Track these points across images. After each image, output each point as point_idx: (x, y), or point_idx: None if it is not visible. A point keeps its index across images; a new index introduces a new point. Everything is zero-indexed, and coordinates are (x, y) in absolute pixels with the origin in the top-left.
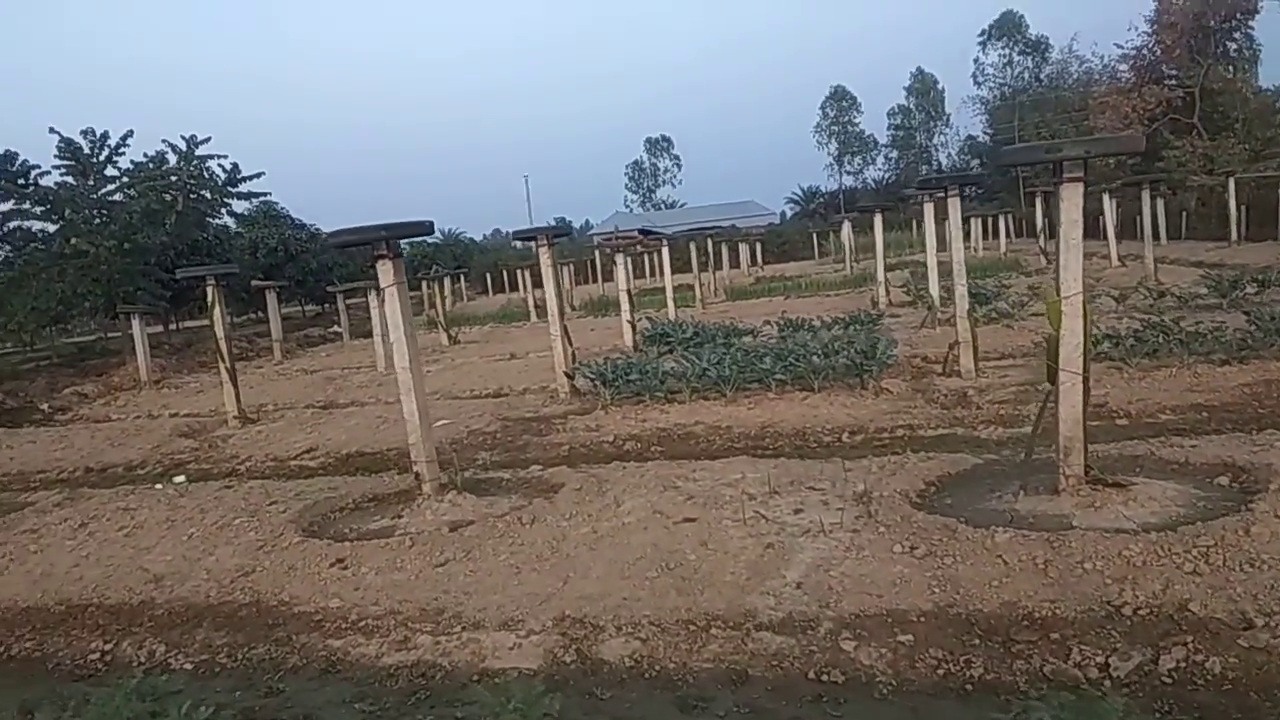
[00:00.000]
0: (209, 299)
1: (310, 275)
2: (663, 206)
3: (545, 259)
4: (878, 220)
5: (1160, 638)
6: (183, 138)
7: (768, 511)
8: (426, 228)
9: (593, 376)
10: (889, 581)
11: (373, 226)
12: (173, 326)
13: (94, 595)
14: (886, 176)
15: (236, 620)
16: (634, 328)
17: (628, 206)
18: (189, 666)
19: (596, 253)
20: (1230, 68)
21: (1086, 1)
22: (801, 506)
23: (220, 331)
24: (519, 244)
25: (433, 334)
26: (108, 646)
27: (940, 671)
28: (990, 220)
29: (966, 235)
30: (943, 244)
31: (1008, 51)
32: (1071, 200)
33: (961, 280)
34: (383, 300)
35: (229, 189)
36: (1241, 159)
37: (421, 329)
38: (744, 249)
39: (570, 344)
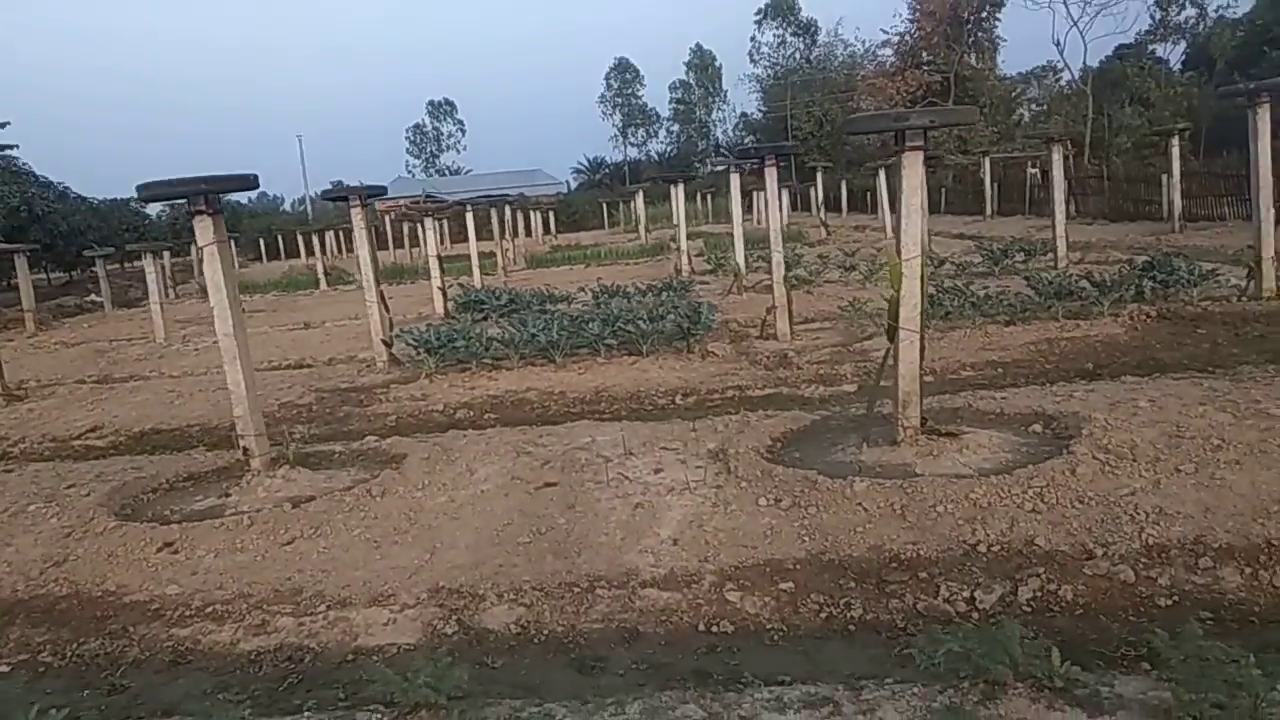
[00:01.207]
0: None
1: (60, 239)
2: (447, 173)
3: (358, 221)
4: (679, 191)
5: (1015, 571)
6: None
7: (628, 472)
8: (251, 181)
9: (415, 344)
10: (760, 533)
11: (191, 179)
12: None
13: None
14: (668, 149)
15: (56, 614)
16: (445, 294)
17: (409, 172)
18: (4, 669)
19: (387, 219)
20: (979, 56)
21: None
22: (660, 466)
23: None
24: (326, 205)
25: (208, 302)
26: None
27: (823, 615)
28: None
29: (751, 208)
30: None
31: (781, 32)
32: (913, 168)
33: (778, 247)
34: (254, 257)
35: None
36: (990, 140)
37: (195, 299)
38: (535, 217)
39: (387, 311)
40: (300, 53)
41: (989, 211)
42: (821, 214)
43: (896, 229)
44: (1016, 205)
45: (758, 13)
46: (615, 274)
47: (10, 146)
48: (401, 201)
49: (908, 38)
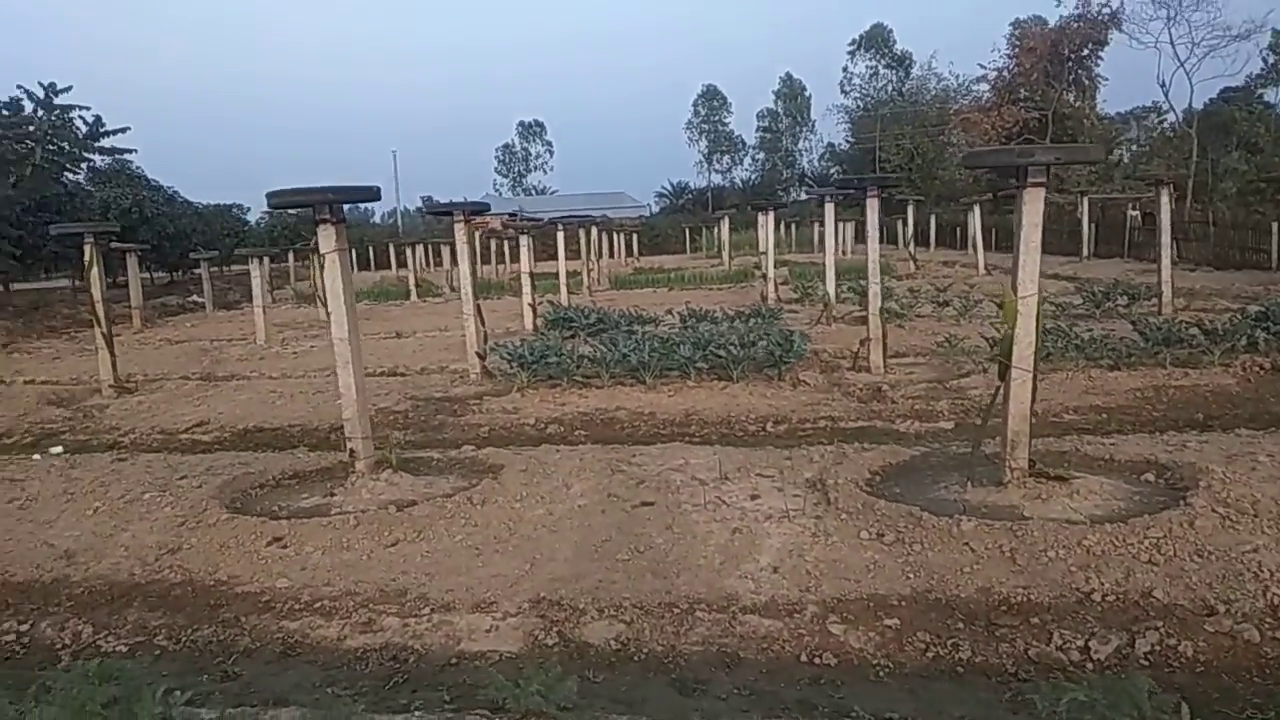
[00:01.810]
0: (86, 258)
1: (166, 241)
2: (533, 192)
3: (461, 236)
4: (769, 218)
5: (1131, 622)
6: (41, 85)
7: (725, 497)
8: (373, 193)
9: (509, 358)
10: (863, 567)
11: (317, 188)
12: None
13: None
14: (753, 177)
15: (171, 600)
16: (534, 311)
17: (497, 190)
18: (122, 649)
19: (475, 234)
20: (1079, 94)
21: (945, 23)
22: (757, 492)
23: (97, 294)
24: (414, 218)
25: (304, 308)
26: (23, 627)
27: (929, 655)
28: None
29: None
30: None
31: (875, 64)
32: (1033, 204)
33: (875, 279)
34: (322, 266)
35: (90, 143)
36: (1088, 180)
37: (291, 303)
38: (619, 239)
39: (483, 324)
40: (396, 69)
41: (1085, 252)
42: (910, 248)
43: (1013, 265)
44: (1114, 247)
45: (851, 43)
46: (699, 298)
47: (129, 151)
48: (488, 219)
49: (1005, 73)
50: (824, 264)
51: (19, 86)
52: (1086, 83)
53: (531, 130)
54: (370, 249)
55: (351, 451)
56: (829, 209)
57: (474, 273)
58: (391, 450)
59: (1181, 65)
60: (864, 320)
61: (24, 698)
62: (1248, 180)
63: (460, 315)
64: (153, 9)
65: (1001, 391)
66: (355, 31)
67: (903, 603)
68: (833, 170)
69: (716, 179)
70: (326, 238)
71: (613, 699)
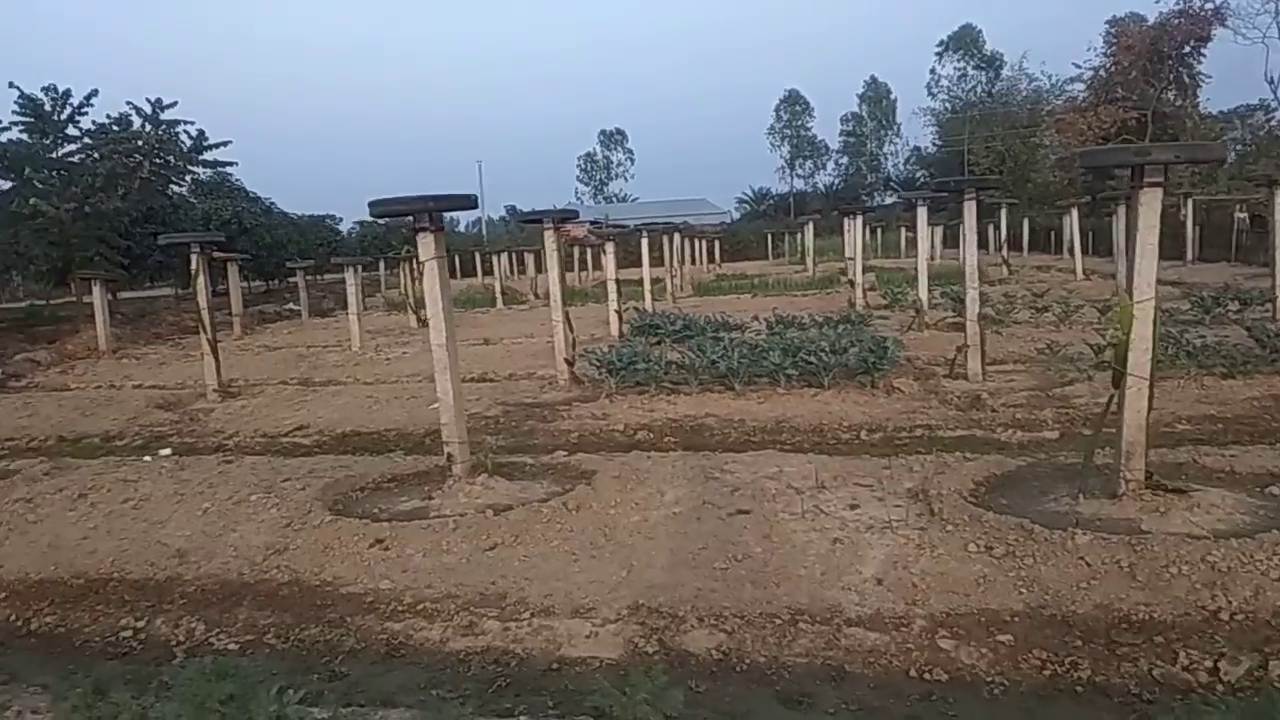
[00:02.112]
0: (193, 267)
1: (264, 250)
2: (614, 200)
3: (550, 243)
4: (857, 223)
5: (1263, 643)
6: (148, 100)
7: (822, 506)
8: (471, 201)
9: (598, 364)
10: (971, 580)
11: (417, 197)
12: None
13: (113, 569)
14: (836, 182)
15: (279, 600)
16: (620, 317)
17: (579, 198)
18: (233, 647)
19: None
20: (1180, 93)
21: (1036, 22)
22: (856, 502)
23: (203, 301)
24: (497, 227)
25: (394, 315)
26: (139, 624)
27: (1046, 673)
28: (953, 230)
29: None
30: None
31: (963, 65)
32: (1150, 205)
33: (973, 284)
34: (419, 275)
35: (194, 156)
36: (1191, 181)
37: (382, 311)
38: (700, 245)
39: (571, 331)
40: (482, 79)
41: (1190, 256)
42: (1004, 252)
43: (1128, 269)
44: (1220, 251)
45: (939, 45)
46: (784, 305)
47: (230, 164)
48: (571, 227)
49: (1102, 72)
50: (915, 269)
51: (128, 103)
52: (1188, 81)
53: (613, 139)
54: (456, 257)
55: (449, 456)
56: (921, 213)
57: (564, 280)
58: (487, 455)
59: None
60: (958, 327)
61: (145, 693)
62: None
63: (546, 322)
64: (245, 30)
65: (1115, 399)
66: (436, 41)
67: (1016, 618)
68: (919, 174)
69: (798, 184)
70: (425, 245)
71: (716, 710)
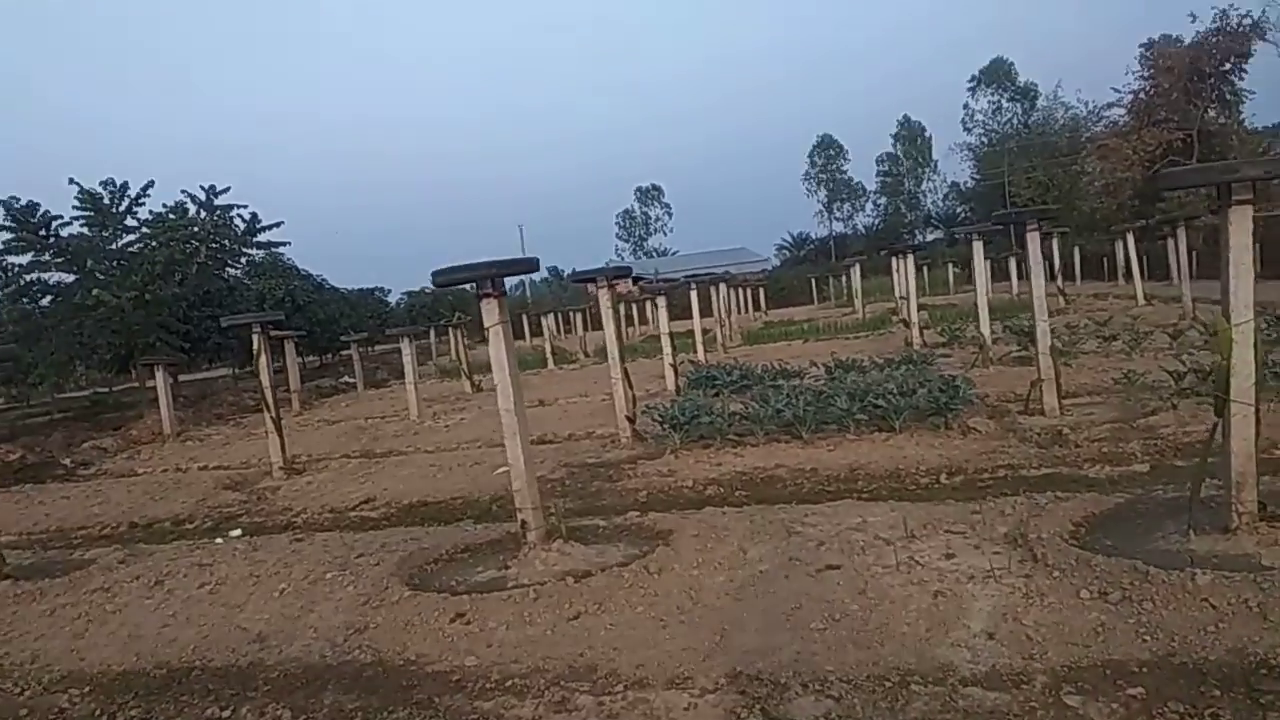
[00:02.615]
0: (254, 347)
1: (317, 326)
2: (654, 254)
3: (605, 301)
4: (908, 262)
5: None
6: (202, 187)
7: (916, 557)
8: (533, 264)
9: (661, 420)
10: (1089, 630)
11: (481, 264)
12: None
13: (194, 657)
14: (875, 222)
15: (363, 681)
16: (676, 371)
17: (619, 255)
18: None
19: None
20: (1222, 110)
21: (1068, 52)
22: (951, 551)
23: (265, 380)
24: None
25: (447, 382)
26: (225, 713)
27: None
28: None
29: (970, 279)
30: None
31: (997, 98)
32: (1241, 223)
33: (1043, 316)
34: (481, 339)
35: (249, 238)
36: None
37: (434, 378)
38: (745, 294)
39: (631, 388)
40: (520, 147)
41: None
42: (1059, 282)
43: (1222, 290)
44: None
45: (971, 80)
46: (838, 349)
47: (284, 244)
48: (620, 284)
49: (1142, 95)
50: (967, 305)
51: (183, 191)
52: (1230, 98)
53: (649, 195)
54: None
55: (523, 523)
56: (977, 247)
57: (619, 337)
58: (560, 520)
59: None
60: (1023, 361)
61: None
62: None
63: (599, 380)
64: (278, 112)
65: (1220, 428)
66: (469, 103)
67: (1143, 669)
68: (959, 209)
69: (838, 226)
70: (490, 311)
71: None
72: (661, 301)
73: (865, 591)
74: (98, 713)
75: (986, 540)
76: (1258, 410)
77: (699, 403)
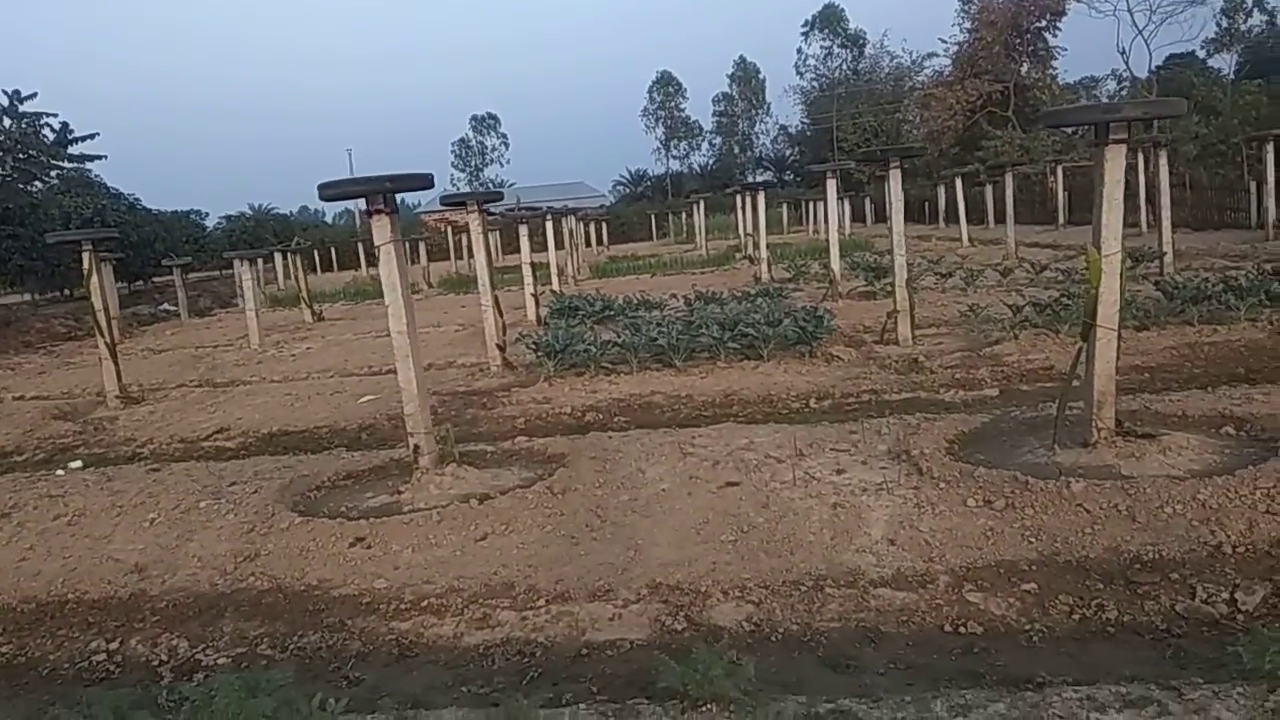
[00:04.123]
0: (85, 266)
1: (129, 249)
2: (490, 186)
3: (475, 226)
4: (760, 199)
5: (1270, 572)
6: (4, 92)
7: (810, 473)
8: (427, 180)
9: (535, 347)
10: (979, 534)
11: (374, 177)
12: None
13: (66, 591)
14: (710, 162)
15: (263, 608)
16: (538, 300)
17: (455, 185)
18: (224, 661)
19: (448, 229)
20: (1036, 65)
21: (893, 2)
22: (840, 467)
23: (98, 303)
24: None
25: (279, 311)
26: (112, 645)
27: (1075, 618)
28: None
29: (804, 219)
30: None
31: (829, 43)
32: (1115, 161)
33: (901, 251)
34: (377, 258)
35: (60, 150)
36: (1053, 149)
37: (265, 307)
38: (587, 228)
39: (501, 316)
40: (346, 73)
41: (1061, 220)
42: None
43: (1094, 223)
44: (1087, 215)
45: (804, 24)
46: (684, 283)
47: (99, 157)
48: (516, 209)
49: (966, 47)
50: (821, 241)
51: None
52: (1044, 53)
53: (485, 124)
54: (332, 249)
55: (415, 447)
56: (831, 185)
57: (490, 264)
58: (452, 445)
59: (1140, 33)
60: (868, 295)
61: (176, 717)
62: (1207, 144)
63: (451, 310)
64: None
65: (1085, 351)
66: (301, 38)
67: (1033, 567)
68: (789, 152)
69: (674, 165)
70: (381, 229)
71: (766, 681)
72: (524, 230)
73: (768, 505)
74: None
75: (871, 457)
76: (1119, 335)
77: (574, 330)
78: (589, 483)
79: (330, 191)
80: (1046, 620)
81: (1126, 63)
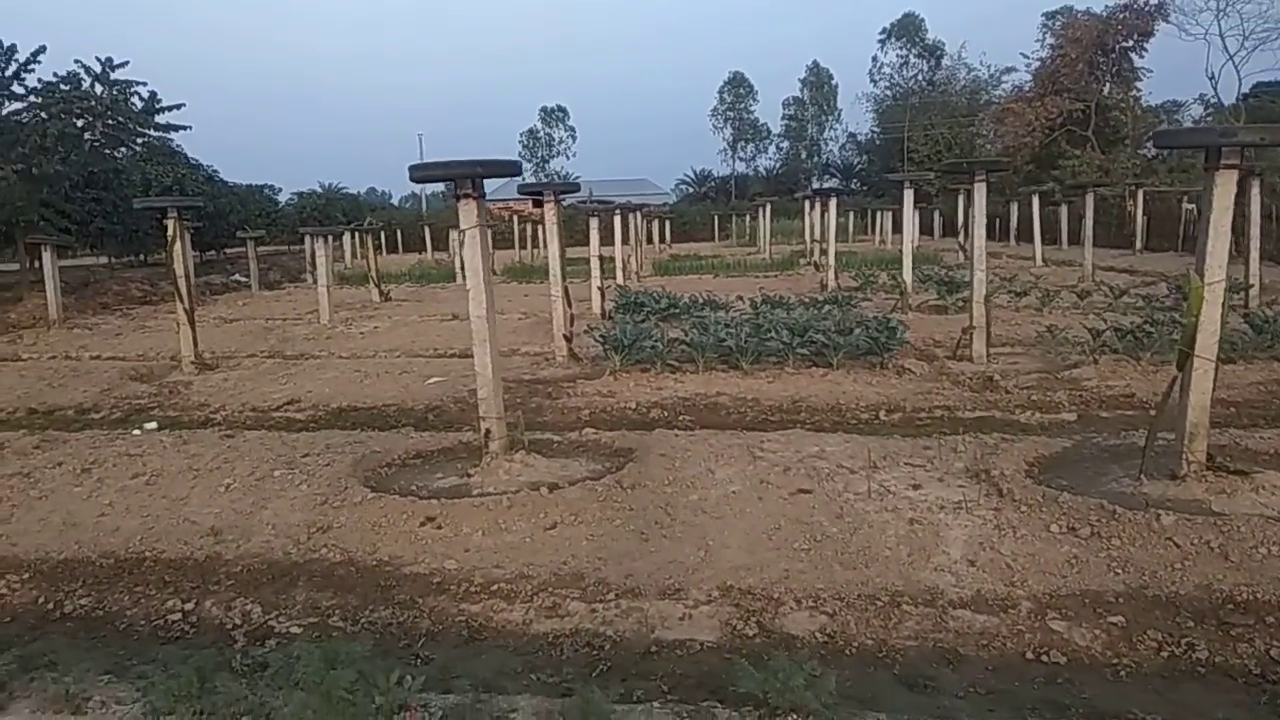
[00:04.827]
0: (170, 233)
1: (205, 220)
2: (556, 177)
3: (551, 217)
4: (832, 205)
5: None
6: (98, 59)
7: (885, 486)
8: (515, 167)
9: (603, 341)
10: (1064, 561)
11: (462, 161)
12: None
13: (143, 548)
14: (776, 165)
15: (335, 580)
16: (603, 294)
17: (521, 175)
18: (296, 630)
19: (514, 219)
20: (1119, 85)
21: (975, 15)
22: (916, 482)
23: (180, 269)
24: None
25: (347, 289)
26: (188, 606)
27: (1163, 655)
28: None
29: (869, 228)
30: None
31: (905, 52)
32: (1225, 187)
33: (981, 266)
34: (461, 243)
35: (146, 118)
36: (1133, 172)
37: (334, 285)
38: (652, 225)
39: (570, 307)
40: (422, 71)
41: (1138, 245)
42: (961, 238)
43: (1198, 251)
44: (1164, 241)
45: (882, 32)
46: (748, 285)
47: (184, 127)
48: (518, 205)
49: (1048, 63)
50: (869, 253)
51: (76, 61)
52: (1128, 74)
53: (554, 115)
54: (398, 231)
55: (487, 432)
56: (907, 195)
57: (563, 254)
58: (523, 431)
59: (1230, 58)
60: (939, 310)
61: (256, 681)
62: None
63: (515, 299)
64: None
65: (1180, 380)
66: (384, 34)
67: (1120, 599)
68: (856, 160)
69: (740, 167)
70: (468, 213)
71: (842, 694)
72: (593, 223)
73: (842, 515)
74: (42, 600)
75: (948, 474)
76: (1218, 366)
77: (641, 326)
78: (658, 479)
79: (421, 174)
80: (1134, 655)
81: (1215, 88)
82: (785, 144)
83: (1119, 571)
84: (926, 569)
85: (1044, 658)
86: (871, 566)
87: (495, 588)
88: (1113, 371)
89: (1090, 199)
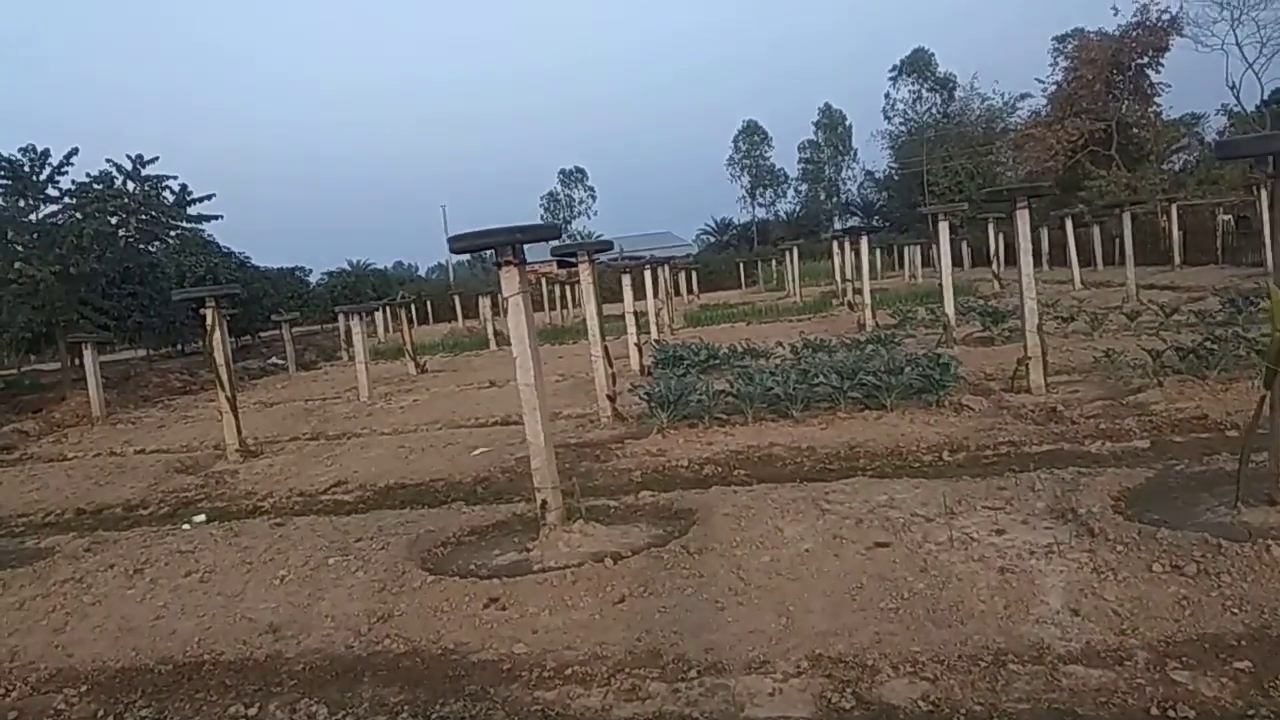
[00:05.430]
0: (208, 322)
1: (239, 306)
2: (579, 237)
3: (586, 277)
4: (864, 244)
5: None
6: (129, 157)
7: (966, 533)
8: (555, 231)
9: (648, 398)
10: (1173, 603)
11: (502, 229)
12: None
13: (202, 651)
14: (796, 209)
15: (401, 672)
16: (640, 350)
17: (560, 238)
18: None
19: (541, 281)
20: (1138, 102)
21: (983, 40)
22: (999, 527)
23: (219, 357)
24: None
25: (381, 364)
26: (251, 711)
27: None
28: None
29: (896, 264)
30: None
31: (917, 87)
32: None
33: (1031, 294)
34: (504, 311)
35: (179, 211)
36: (1162, 187)
37: (375, 358)
38: (678, 276)
39: (610, 366)
40: (443, 138)
41: (1177, 260)
42: (994, 265)
43: (1275, 262)
44: (1202, 254)
45: (892, 69)
46: (783, 330)
47: (215, 218)
48: (543, 266)
49: (1065, 86)
50: (899, 289)
51: (108, 160)
52: (1147, 90)
53: (573, 177)
54: (429, 303)
55: (543, 503)
56: (943, 228)
57: (600, 313)
58: (579, 500)
59: (1250, 66)
60: (985, 341)
61: None
62: None
63: (550, 361)
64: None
65: (1271, 400)
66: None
67: (1242, 642)
68: (875, 198)
69: (760, 213)
70: (509, 280)
71: None
72: (626, 279)
73: (927, 569)
74: (102, 714)
75: (1031, 515)
76: None
77: (684, 381)
78: (725, 541)
79: (461, 244)
80: (1270, 705)
81: (1237, 96)
82: (804, 187)
83: (1235, 611)
84: (1027, 622)
85: (1170, 713)
86: (968, 623)
87: (569, 671)
88: (1180, 393)
89: (1127, 218)
